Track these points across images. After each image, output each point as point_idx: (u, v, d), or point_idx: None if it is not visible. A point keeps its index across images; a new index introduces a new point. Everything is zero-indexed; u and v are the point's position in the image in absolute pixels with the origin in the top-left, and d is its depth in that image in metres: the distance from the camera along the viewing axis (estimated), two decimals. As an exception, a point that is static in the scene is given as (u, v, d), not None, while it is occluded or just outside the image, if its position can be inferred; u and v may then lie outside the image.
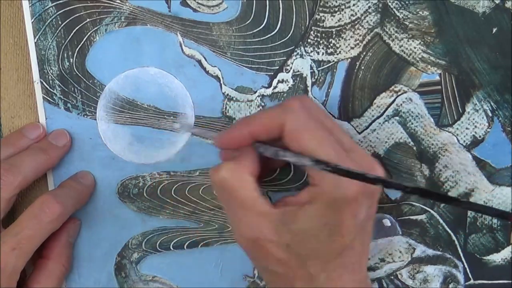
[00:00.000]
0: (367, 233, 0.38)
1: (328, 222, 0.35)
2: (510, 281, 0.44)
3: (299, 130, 0.36)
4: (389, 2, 0.41)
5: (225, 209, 0.38)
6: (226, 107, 0.43)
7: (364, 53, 0.42)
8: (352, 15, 0.42)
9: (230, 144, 0.38)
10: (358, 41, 0.42)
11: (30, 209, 0.39)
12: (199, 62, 0.42)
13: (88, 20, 0.42)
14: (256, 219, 0.36)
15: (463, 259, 0.44)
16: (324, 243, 0.35)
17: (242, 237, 0.37)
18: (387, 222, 0.44)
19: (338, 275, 0.36)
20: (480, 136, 0.43)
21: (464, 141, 0.43)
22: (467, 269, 0.44)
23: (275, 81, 0.42)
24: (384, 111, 0.43)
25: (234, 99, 0.42)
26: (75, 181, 0.42)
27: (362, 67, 0.42)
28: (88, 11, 0.42)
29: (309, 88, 0.42)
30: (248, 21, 0.42)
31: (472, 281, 0.44)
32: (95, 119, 0.43)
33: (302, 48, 0.42)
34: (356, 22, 0.42)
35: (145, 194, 0.43)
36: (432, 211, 0.43)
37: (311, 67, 0.42)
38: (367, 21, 0.42)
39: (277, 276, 0.37)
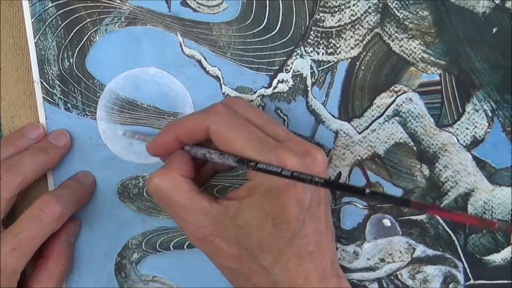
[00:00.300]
0: (322, 219, 0.37)
1: (269, 212, 0.35)
2: (510, 281, 0.44)
3: (224, 130, 0.36)
4: (389, 2, 0.41)
5: (170, 215, 0.39)
6: (226, 107, 0.43)
7: (364, 53, 0.42)
8: (352, 15, 0.42)
9: (160, 150, 0.39)
10: (358, 41, 0.42)
11: (31, 209, 0.39)
12: (199, 62, 0.42)
13: (88, 20, 0.42)
14: (199, 217, 0.37)
15: (463, 259, 0.44)
16: (271, 234, 0.35)
17: (193, 237, 0.38)
18: (387, 222, 0.44)
19: (295, 265, 0.36)
20: (480, 136, 0.43)
21: (464, 141, 0.43)
22: (467, 269, 0.44)
23: (275, 81, 0.42)
24: (384, 111, 0.43)
25: (234, 99, 0.42)
26: (75, 181, 0.42)
27: (362, 67, 0.42)
28: (88, 11, 0.42)
29: (309, 88, 0.42)
30: (248, 21, 0.42)
31: (472, 281, 0.44)
32: (95, 119, 0.43)
33: (302, 48, 0.42)
34: (356, 22, 0.42)
35: (145, 194, 0.43)
36: (432, 211, 0.43)
37: (311, 67, 0.42)
38: (367, 21, 0.42)
39: (233, 272, 0.38)
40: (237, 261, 0.37)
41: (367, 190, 0.31)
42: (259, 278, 0.36)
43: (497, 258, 0.44)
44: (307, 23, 0.42)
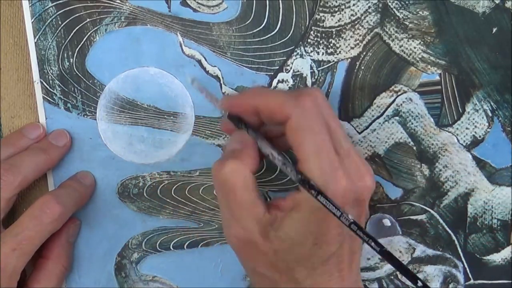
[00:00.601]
0: (357, 241, 0.38)
1: (313, 231, 0.35)
2: (510, 281, 0.44)
3: (302, 129, 0.35)
4: (389, 2, 0.41)
5: (222, 206, 0.38)
6: (226, 107, 0.42)
7: (364, 53, 0.42)
8: (352, 15, 0.42)
9: (232, 107, 0.38)
10: (358, 41, 0.42)
11: (31, 210, 0.39)
12: (199, 62, 0.42)
13: (88, 20, 0.42)
14: (251, 222, 0.36)
15: (463, 259, 0.44)
16: (310, 250, 0.36)
17: (235, 237, 0.37)
18: (387, 222, 0.44)
19: (324, 281, 0.36)
20: (480, 136, 0.43)
21: (464, 141, 0.43)
22: (467, 269, 0.44)
23: (275, 81, 0.42)
24: (384, 111, 0.43)
25: (234, 99, 0.42)
26: (75, 182, 0.42)
27: (362, 67, 0.42)
28: (88, 11, 0.42)
29: (309, 88, 0.42)
30: (248, 21, 0.42)
31: (472, 281, 0.44)
32: (95, 119, 0.43)
33: (302, 48, 0.42)
34: (356, 22, 0.42)
35: (145, 194, 0.43)
36: (432, 211, 0.43)
37: (311, 67, 0.42)
38: (367, 21, 0.42)
39: (264, 278, 0.38)
40: (272, 269, 0.37)
41: (420, 284, 0.32)
42: (289, 286, 0.37)
43: (497, 258, 0.44)
44: (307, 23, 0.42)
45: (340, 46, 0.42)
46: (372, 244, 0.33)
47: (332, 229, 0.35)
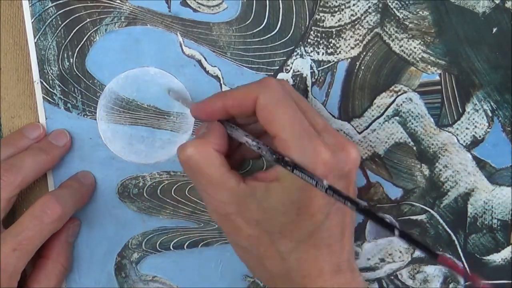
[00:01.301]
0: (347, 214, 0.37)
1: (295, 200, 0.35)
2: (510, 281, 0.44)
3: (272, 105, 0.36)
4: (389, 2, 0.41)
5: (196, 187, 0.38)
6: (226, 107, 0.42)
7: (364, 53, 0.42)
8: (352, 15, 0.42)
9: (203, 113, 0.38)
10: (358, 41, 0.42)
11: (31, 210, 0.39)
12: (199, 62, 0.42)
13: (88, 20, 0.42)
14: (226, 194, 0.36)
15: (463, 259, 0.44)
16: (294, 222, 0.35)
17: (214, 212, 0.38)
18: (387, 222, 0.44)
19: (311, 256, 0.36)
20: (480, 136, 0.43)
21: (464, 141, 0.43)
22: (467, 269, 0.44)
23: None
24: (384, 111, 0.43)
25: (234, 99, 0.42)
26: (76, 181, 0.42)
27: (362, 67, 0.42)
28: (88, 11, 0.42)
29: (309, 88, 0.42)
30: (248, 21, 0.42)
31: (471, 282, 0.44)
32: (95, 119, 0.43)
33: (302, 48, 0.42)
34: (356, 22, 0.42)
35: (145, 194, 0.43)
36: (432, 211, 0.43)
37: (311, 67, 0.42)
38: (367, 21, 0.42)
39: (248, 253, 0.38)
40: (255, 243, 0.37)
41: (397, 232, 0.31)
42: (273, 263, 0.36)
43: (497, 258, 0.44)
44: (307, 23, 0.42)
45: (340, 46, 0.42)
46: (349, 204, 0.32)
47: (315, 200, 0.35)
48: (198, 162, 0.36)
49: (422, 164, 0.43)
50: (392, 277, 0.44)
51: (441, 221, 0.44)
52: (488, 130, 0.43)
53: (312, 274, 0.36)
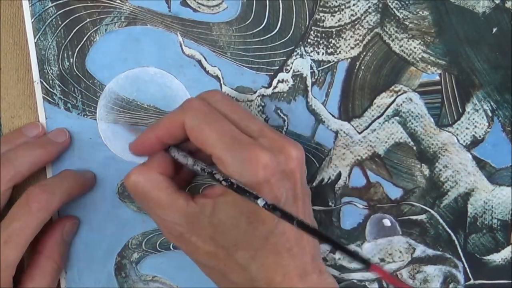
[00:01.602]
0: (300, 215, 0.37)
1: (243, 211, 0.35)
2: (510, 281, 0.44)
3: (198, 125, 0.36)
4: (389, 2, 0.41)
5: (147, 212, 0.39)
6: (226, 107, 0.42)
7: (364, 53, 0.42)
8: (352, 15, 0.42)
9: (141, 150, 0.39)
10: (358, 41, 0.42)
11: (18, 201, 0.39)
12: (199, 62, 0.42)
13: (88, 20, 0.42)
14: (175, 215, 0.37)
15: (463, 259, 0.44)
16: (246, 232, 0.35)
17: (169, 234, 0.38)
18: (387, 222, 0.44)
19: (272, 262, 0.36)
20: (480, 136, 0.43)
21: (464, 141, 0.43)
22: (467, 269, 0.44)
23: (275, 81, 0.42)
24: (384, 111, 0.43)
25: (234, 99, 0.42)
26: (68, 171, 0.42)
27: (362, 67, 0.42)
28: (88, 11, 0.42)
29: (309, 88, 0.42)
30: (248, 21, 0.42)
31: (472, 281, 0.44)
32: (95, 119, 0.43)
33: (302, 48, 0.42)
34: (356, 22, 0.42)
35: (145, 194, 0.43)
36: (432, 211, 0.43)
37: (311, 67, 0.42)
38: (367, 21, 0.42)
39: (210, 269, 0.38)
40: (213, 259, 0.37)
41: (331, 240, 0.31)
42: (236, 276, 0.36)
43: (497, 258, 0.44)
44: (307, 23, 0.42)
45: (340, 46, 0.42)
46: (289, 217, 0.32)
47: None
48: (143, 187, 0.37)
49: (422, 164, 0.43)
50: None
51: (441, 221, 0.44)
52: (488, 130, 0.43)
53: (277, 280, 0.36)
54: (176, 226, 0.37)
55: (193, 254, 0.38)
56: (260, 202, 0.33)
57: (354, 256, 0.31)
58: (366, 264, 0.30)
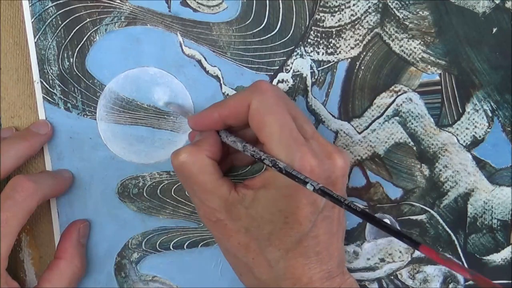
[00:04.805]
0: (335, 221, 0.37)
1: (282, 209, 0.35)
2: (510, 281, 0.44)
3: (264, 111, 0.36)
4: (389, 2, 0.41)
5: (188, 193, 0.39)
6: (226, 107, 0.42)
7: (364, 53, 0.42)
8: (352, 15, 0.42)
9: (200, 125, 0.39)
10: (358, 41, 0.42)
11: (3, 192, 0.38)
12: (199, 62, 0.42)
13: (88, 20, 0.42)
14: (216, 202, 0.37)
15: (463, 259, 0.44)
16: (282, 230, 0.35)
17: (205, 217, 0.38)
18: (387, 222, 0.44)
19: (300, 264, 0.36)
20: (480, 136, 0.43)
21: (464, 141, 0.43)
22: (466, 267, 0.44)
23: (275, 81, 0.42)
24: (384, 111, 0.43)
25: (234, 99, 0.42)
26: (48, 171, 0.42)
27: (362, 67, 0.42)
28: (88, 11, 0.42)
29: (309, 88, 0.42)
30: (248, 21, 0.42)
31: (472, 281, 0.44)
32: (95, 119, 0.43)
33: (302, 48, 0.42)
34: (356, 22, 0.42)
35: (145, 194, 0.43)
36: (432, 211, 0.43)
37: (311, 67, 0.42)
38: (367, 21, 0.42)
39: (238, 260, 0.38)
40: (244, 250, 0.37)
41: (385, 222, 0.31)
42: (262, 271, 0.37)
43: (497, 258, 0.44)
44: (307, 23, 0.42)
45: (340, 46, 0.42)
46: (347, 204, 0.32)
47: (302, 208, 0.35)
48: (191, 168, 0.37)
49: (422, 164, 0.43)
50: (392, 277, 0.44)
51: (441, 221, 0.44)
52: (488, 130, 0.43)
53: (302, 281, 0.36)
54: (214, 211, 0.37)
55: (225, 241, 0.38)
56: (309, 186, 0.33)
57: (402, 236, 0.30)
58: (415, 244, 0.30)
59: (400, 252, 0.44)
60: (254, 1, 0.42)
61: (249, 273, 0.37)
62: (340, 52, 0.42)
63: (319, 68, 0.42)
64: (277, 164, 0.34)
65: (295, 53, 0.42)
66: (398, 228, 0.41)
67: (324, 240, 0.36)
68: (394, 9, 0.42)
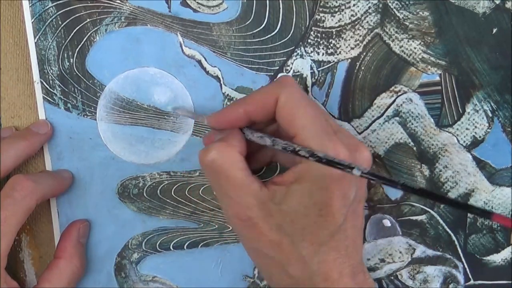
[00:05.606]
0: (359, 217, 0.38)
1: (317, 201, 0.35)
2: (510, 282, 0.44)
3: (293, 103, 0.36)
4: (389, 2, 0.41)
5: (216, 191, 0.38)
6: (226, 107, 0.43)
7: (364, 53, 0.42)
8: (352, 15, 0.42)
9: (224, 123, 0.38)
10: (358, 42, 0.42)
11: (3, 191, 0.38)
12: (199, 62, 0.42)
13: (88, 20, 0.42)
14: (247, 198, 0.36)
15: (463, 259, 0.44)
16: (316, 223, 0.35)
17: (235, 217, 0.37)
18: (387, 223, 0.44)
19: (332, 259, 0.36)
20: (480, 137, 0.43)
21: (464, 141, 0.43)
22: (467, 270, 0.44)
23: (275, 81, 0.42)
24: (384, 112, 0.43)
25: (234, 99, 0.42)
26: (48, 171, 0.42)
27: (362, 68, 0.42)
28: (88, 11, 0.42)
29: (309, 88, 0.42)
30: (248, 21, 0.42)
31: (472, 282, 0.44)
32: (95, 119, 0.43)
33: (302, 48, 0.42)
34: (356, 22, 0.42)
35: (145, 194, 0.43)
36: (432, 212, 0.43)
37: (311, 68, 0.42)
38: (367, 22, 0.42)
39: (269, 259, 0.37)
40: (276, 248, 0.36)
41: (461, 202, 0.31)
42: (296, 268, 0.36)
43: (497, 258, 0.44)
44: (307, 23, 0.42)
45: (340, 46, 0.42)
46: (392, 181, 0.32)
47: (336, 200, 0.35)
48: (222, 165, 0.36)
49: (422, 165, 0.43)
50: (392, 278, 0.44)
51: (441, 221, 0.44)
52: (488, 130, 0.43)
53: (333, 277, 0.36)
54: (246, 209, 0.36)
55: (255, 241, 0.37)
56: (356, 172, 0.32)
57: (472, 208, 0.30)
58: (487, 214, 0.29)
59: (400, 252, 0.44)
60: (254, 2, 0.42)
61: (282, 272, 0.37)
62: (340, 52, 0.42)
63: (319, 69, 0.42)
64: (315, 154, 0.34)
65: (295, 54, 0.42)
66: (399, 229, 0.41)
67: (351, 234, 0.36)
68: (394, 10, 0.42)
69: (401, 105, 0.42)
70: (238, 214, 0.37)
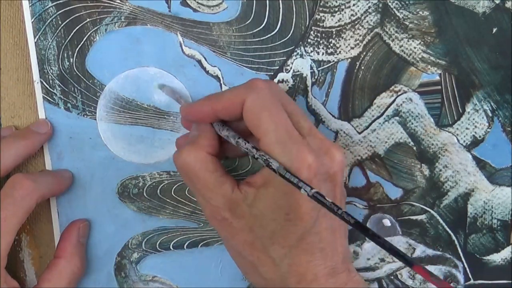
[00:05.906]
0: (336, 217, 0.37)
1: (283, 206, 0.35)
2: (510, 281, 0.44)
3: (258, 108, 0.36)
4: (389, 2, 0.41)
5: (192, 191, 0.39)
6: (226, 107, 0.42)
7: (364, 53, 0.42)
8: (352, 15, 0.42)
9: (192, 116, 0.39)
10: (358, 41, 0.42)
11: (2, 191, 0.38)
12: (199, 62, 0.42)
13: (88, 20, 0.42)
14: (220, 200, 0.37)
15: (463, 259, 0.44)
16: (284, 227, 0.35)
17: (211, 217, 0.38)
18: (387, 222, 0.44)
19: (304, 261, 0.36)
20: (480, 136, 0.43)
21: (464, 141, 0.43)
22: (467, 269, 0.44)
23: (275, 81, 0.42)
24: (384, 111, 0.43)
25: (234, 99, 0.42)
26: (48, 170, 0.42)
27: (362, 67, 0.42)
28: (88, 11, 0.42)
29: (309, 88, 0.42)
30: (248, 21, 0.42)
31: (472, 281, 0.44)
32: (95, 119, 0.43)
33: (302, 48, 0.42)
34: (356, 22, 0.42)
35: (145, 194, 0.43)
36: (432, 211, 0.43)
37: (311, 67, 0.42)
38: (367, 21, 0.42)
39: (243, 259, 0.38)
40: (249, 249, 0.37)
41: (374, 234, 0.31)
42: (267, 269, 0.36)
43: (497, 258, 0.44)
44: (307, 23, 0.42)
45: (340, 46, 0.42)
46: (338, 212, 0.32)
47: (303, 204, 0.35)
48: (193, 167, 0.37)
49: (422, 164, 0.43)
50: (392, 277, 0.44)
51: (441, 221, 0.44)
52: (488, 130, 0.43)
53: (307, 278, 0.36)
54: (219, 210, 0.37)
55: (231, 240, 0.38)
56: (303, 191, 0.33)
57: (397, 253, 0.30)
58: (409, 263, 0.30)
59: (400, 252, 0.44)
60: (254, 1, 0.42)
61: (255, 272, 0.37)
62: (340, 52, 0.42)
63: (319, 68, 0.42)
64: (270, 165, 0.34)
65: (295, 53, 0.42)
66: (398, 233, 0.41)
67: (327, 236, 0.36)
68: (394, 9, 0.42)
69: (401, 104, 0.42)
70: (213, 214, 0.37)
